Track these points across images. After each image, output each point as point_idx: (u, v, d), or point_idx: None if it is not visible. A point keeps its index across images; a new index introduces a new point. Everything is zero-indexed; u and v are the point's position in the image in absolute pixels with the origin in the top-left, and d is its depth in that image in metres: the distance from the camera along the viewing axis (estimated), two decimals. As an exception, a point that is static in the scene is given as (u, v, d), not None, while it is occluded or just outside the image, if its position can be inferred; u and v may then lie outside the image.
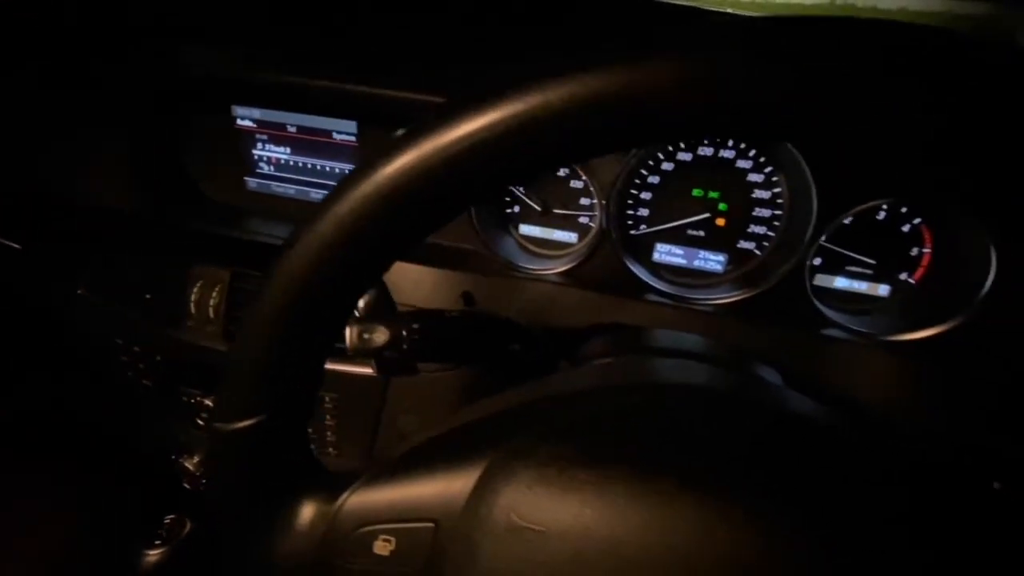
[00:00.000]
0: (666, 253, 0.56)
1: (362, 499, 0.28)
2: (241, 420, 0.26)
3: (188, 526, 0.55)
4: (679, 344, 0.46)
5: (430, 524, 0.26)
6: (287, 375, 0.26)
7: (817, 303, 0.49)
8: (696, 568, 0.22)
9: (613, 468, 0.24)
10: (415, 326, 0.37)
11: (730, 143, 0.50)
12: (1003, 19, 0.50)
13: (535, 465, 0.25)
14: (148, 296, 0.56)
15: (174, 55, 0.56)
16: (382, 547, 0.27)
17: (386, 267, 0.25)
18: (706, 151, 0.51)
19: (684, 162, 0.52)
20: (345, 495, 0.28)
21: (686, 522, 0.23)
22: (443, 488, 0.27)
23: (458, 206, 0.22)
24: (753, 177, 0.51)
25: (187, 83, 0.59)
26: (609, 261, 0.54)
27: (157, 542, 0.55)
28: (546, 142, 0.19)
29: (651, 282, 0.54)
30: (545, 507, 0.24)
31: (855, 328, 0.48)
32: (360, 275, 0.24)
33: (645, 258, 0.57)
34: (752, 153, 0.50)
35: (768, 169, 0.50)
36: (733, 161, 0.51)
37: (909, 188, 0.43)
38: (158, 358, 0.59)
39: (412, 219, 0.22)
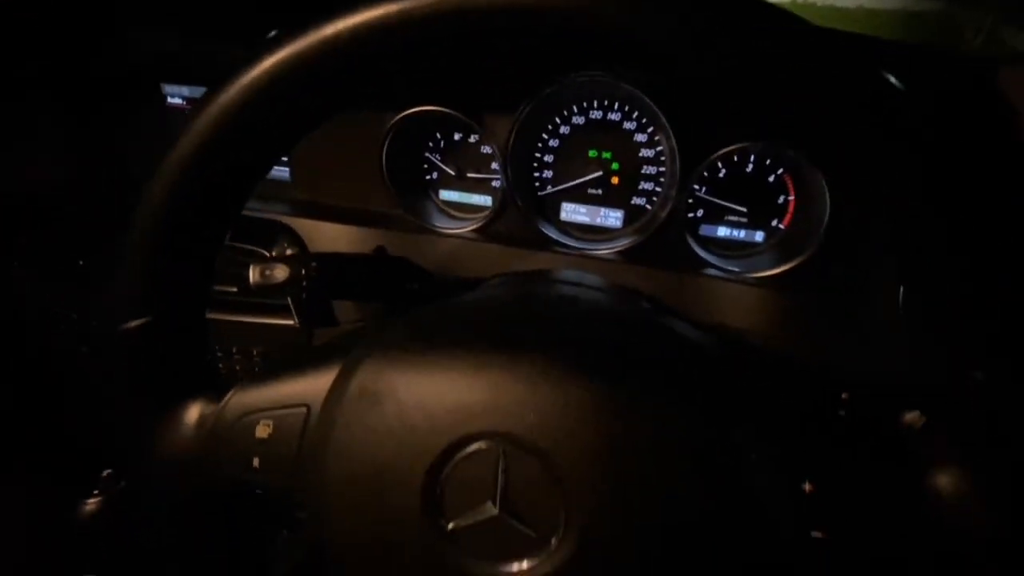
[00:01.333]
0: (572, 212, 0.61)
1: (245, 393, 0.32)
2: (127, 321, 0.30)
3: (123, 480, 0.58)
4: (564, 276, 0.51)
5: (303, 408, 0.30)
6: (170, 276, 0.30)
7: (696, 247, 0.55)
8: (510, 423, 0.27)
9: (441, 345, 0.29)
10: (313, 264, 0.42)
11: (616, 106, 0.55)
12: (953, 16, 0.56)
13: (383, 349, 0.29)
14: (81, 263, 0.59)
15: (102, 35, 0.59)
16: (262, 431, 0.31)
17: (259, 164, 0.29)
18: (596, 114, 0.56)
19: (578, 125, 0.57)
20: (231, 393, 0.32)
21: (496, 389, 0.27)
22: (313, 379, 0.31)
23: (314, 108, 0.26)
24: (639, 137, 0.56)
25: (115, 64, 0.62)
26: (517, 219, 0.59)
27: (95, 492, 0.58)
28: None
29: (558, 238, 0.59)
30: (386, 381, 0.28)
31: (729, 268, 0.53)
32: (231, 175, 0.28)
33: (554, 217, 0.62)
34: (636, 115, 0.55)
35: (650, 129, 0.55)
36: (620, 123, 0.56)
37: (757, 135, 0.48)
38: (94, 323, 0.62)
39: (276, 115, 0.26)
